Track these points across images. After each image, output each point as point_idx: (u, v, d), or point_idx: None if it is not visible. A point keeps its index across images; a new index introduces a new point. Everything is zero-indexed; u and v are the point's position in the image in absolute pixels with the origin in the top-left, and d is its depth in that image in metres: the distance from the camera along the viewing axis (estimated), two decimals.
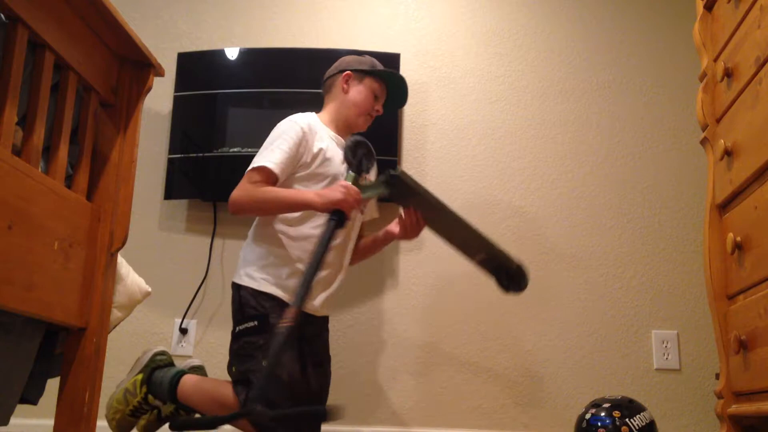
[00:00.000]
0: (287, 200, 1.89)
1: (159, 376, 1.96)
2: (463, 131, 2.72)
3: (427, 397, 2.47)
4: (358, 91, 2.07)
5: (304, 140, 1.94)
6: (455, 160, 2.69)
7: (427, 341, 2.52)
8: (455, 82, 2.78)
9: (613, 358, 2.50)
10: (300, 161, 1.93)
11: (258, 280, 1.89)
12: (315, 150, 1.94)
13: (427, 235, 2.58)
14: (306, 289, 1.67)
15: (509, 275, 1.98)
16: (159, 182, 2.67)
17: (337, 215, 1.82)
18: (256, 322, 1.84)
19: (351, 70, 2.09)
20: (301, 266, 1.88)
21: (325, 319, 2.05)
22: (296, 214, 1.93)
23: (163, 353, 2.05)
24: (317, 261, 1.72)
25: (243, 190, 1.89)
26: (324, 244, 1.76)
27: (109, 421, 1.96)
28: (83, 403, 1.38)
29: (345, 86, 2.07)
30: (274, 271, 1.90)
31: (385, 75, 2.12)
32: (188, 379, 1.94)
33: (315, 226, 1.92)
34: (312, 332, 1.96)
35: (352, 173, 1.90)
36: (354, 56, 2.16)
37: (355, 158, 1.91)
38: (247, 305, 1.87)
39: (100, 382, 1.44)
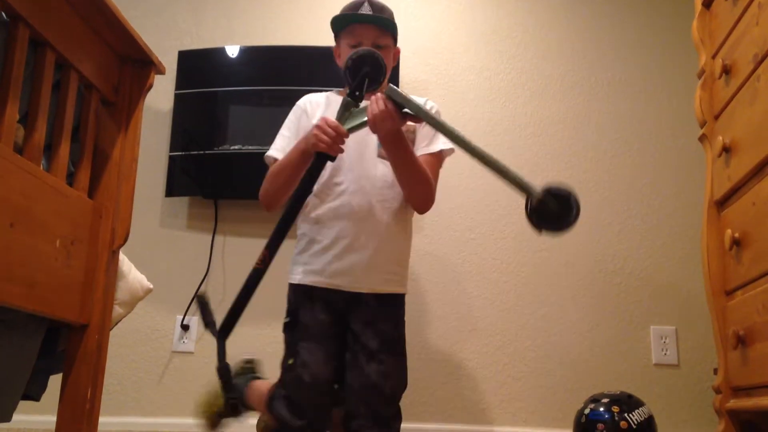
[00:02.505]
0: (283, 162, 1.76)
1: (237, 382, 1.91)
2: (463, 128, 2.71)
3: (426, 392, 2.48)
4: (339, 54, 1.90)
5: (303, 116, 1.87)
6: (454, 157, 2.69)
7: (426, 338, 2.53)
8: (454, 79, 2.78)
9: (611, 354, 2.51)
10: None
11: (291, 273, 1.80)
12: (315, 120, 1.72)
13: (427, 230, 2.59)
14: (277, 239, 1.57)
15: (533, 210, 1.50)
16: (160, 180, 2.68)
17: (319, 157, 1.60)
18: (288, 318, 1.77)
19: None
20: (318, 246, 1.75)
21: (377, 299, 1.74)
22: (313, 198, 1.78)
23: (249, 361, 2.03)
24: (288, 214, 1.59)
25: (262, 185, 1.83)
26: (296, 195, 1.61)
27: (199, 416, 1.98)
28: (85, 400, 1.38)
29: (337, 58, 1.94)
30: (300, 259, 1.79)
31: (342, 19, 1.88)
32: (253, 383, 1.91)
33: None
34: (362, 317, 1.73)
35: (347, 99, 1.60)
36: None
37: (356, 79, 1.58)
38: (288, 301, 1.79)
39: (102, 378, 1.44)
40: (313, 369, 1.67)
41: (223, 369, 1.67)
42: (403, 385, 1.72)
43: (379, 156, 1.78)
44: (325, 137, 1.58)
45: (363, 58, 1.59)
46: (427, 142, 1.83)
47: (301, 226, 1.82)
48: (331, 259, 1.73)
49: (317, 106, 1.89)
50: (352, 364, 1.69)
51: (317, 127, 1.60)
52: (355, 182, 1.76)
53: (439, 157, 1.84)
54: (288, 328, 1.76)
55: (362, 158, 1.79)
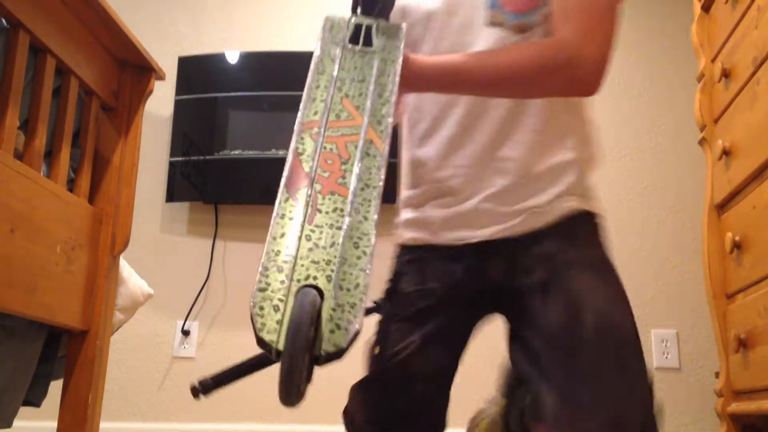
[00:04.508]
0: None
1: None
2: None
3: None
4: None
5: None
6: None
7: None
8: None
9: None
10: None
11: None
12: None
13: None
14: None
15: None
16: (161, 185, 2.68)
17: None
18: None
19: None
20: (408, 192, 1.15)
21: (503, 245, 1.04)
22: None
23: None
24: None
25: None
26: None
27: None
28: (86, 406, 1.38)
29: None
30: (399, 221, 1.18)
31: None
32: None
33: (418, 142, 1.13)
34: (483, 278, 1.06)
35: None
36: None
37: None
38: None
39: (102, 384, 1.44)
40: (392, 344, 1.15)
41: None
42: None
43: None
44: None
45: None
46: None
47: None
48: None
49: None
50: None
51: None
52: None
53: None
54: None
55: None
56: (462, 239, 1.06)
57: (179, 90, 2.69)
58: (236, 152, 2.60)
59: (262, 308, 0.69)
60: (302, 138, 0.84)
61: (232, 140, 2.63)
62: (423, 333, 1.06)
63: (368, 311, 1.10)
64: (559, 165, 1.05)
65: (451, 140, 1.07)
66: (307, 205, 0.77)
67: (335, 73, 0.92)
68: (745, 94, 1.56)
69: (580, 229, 1.06)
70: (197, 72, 2.73)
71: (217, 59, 2.74)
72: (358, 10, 1.00)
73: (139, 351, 2.56)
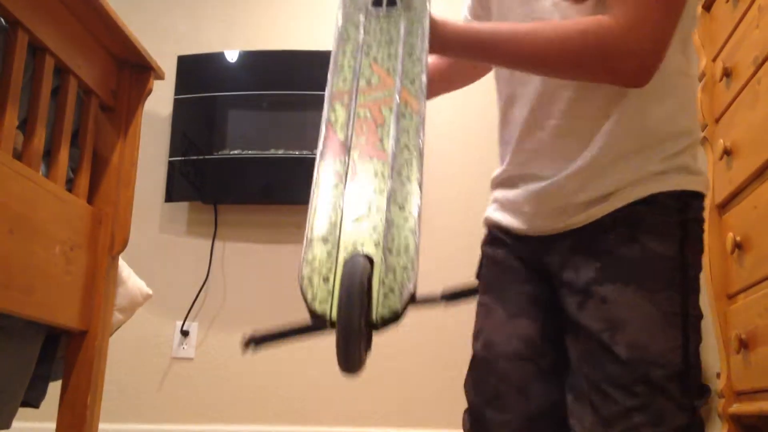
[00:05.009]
0: None
1: None
2: (465, 132, 2.72)
3: (432, 395, 2.47)
4: None
5: None
6: (460, 159, 2.69)
7: (426, 341, 2.52)
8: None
9: None
10: None
11: None
12: None
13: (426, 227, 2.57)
14: None
15: None
16: (160, 185, 2.68)
17: None
18: None
19: None
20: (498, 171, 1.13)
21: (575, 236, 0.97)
22: None
23: None
24: None
25: None
26: None
27: None
28: (85, 407, 1.38)
29: None
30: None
31: None
32: None
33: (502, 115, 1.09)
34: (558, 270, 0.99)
35: None
36: None
37: None
38: None
39: (101, 385, 1.44)
40: (486, 336, 1.12)
41: None
42: None
43: None
44: None
45: None
46: None
47: None
48: None
49: None
50: None
51: None
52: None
53: None
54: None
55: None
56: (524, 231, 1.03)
57: (178, 89, 2.69)
58: (236, 152, 2.60)
59: (311, 280, 0.67)
60: (334, 107, 0.81)
61: (231, 140, 2.63)
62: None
63: (468, 293, 1.12)
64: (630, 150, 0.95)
65: (525, 122, 1.02)
66: (345, 173, 0.75)
67: (361, 39, 0.88)
68: (746, 94, 1.56)
69: (648, 218, 0.94)
70: (196, 71, 2.73)
71: (217, 58, 2.73)
72: None
73: (138, 352, 2.55)
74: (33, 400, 1.44)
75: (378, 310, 0.65)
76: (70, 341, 1.41)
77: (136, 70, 1.55)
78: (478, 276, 1.10)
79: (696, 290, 0.94)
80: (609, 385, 0.87)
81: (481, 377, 1.01)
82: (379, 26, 0.89)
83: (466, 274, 1.13)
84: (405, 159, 0.76)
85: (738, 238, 1.55)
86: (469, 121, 2.73)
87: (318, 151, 0.77)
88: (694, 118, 1.01)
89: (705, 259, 1.70)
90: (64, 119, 1.34)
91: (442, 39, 0.93)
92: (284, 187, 2.58)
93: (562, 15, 0.95)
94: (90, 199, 1.45)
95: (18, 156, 1.21)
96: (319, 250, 0.69)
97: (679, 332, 0.90)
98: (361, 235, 0.70)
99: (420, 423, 2.44)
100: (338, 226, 0.71)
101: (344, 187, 0.74)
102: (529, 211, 1.02)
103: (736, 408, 1.56)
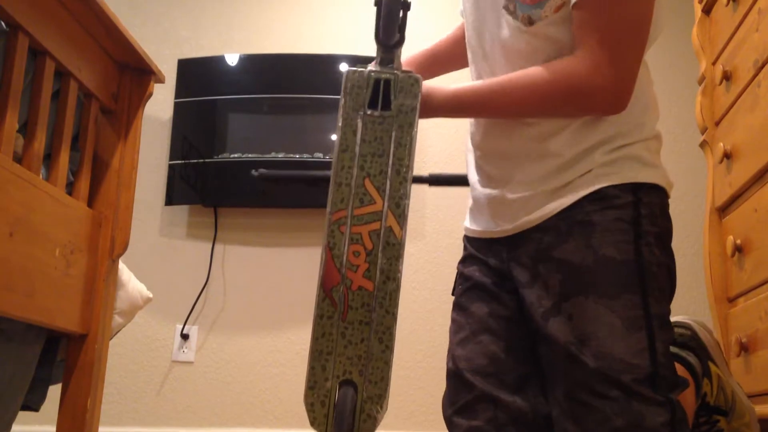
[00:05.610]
0: None
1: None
2: (465, 134, 2.71)
3: (431, 400, 2.47)
4: None
5: None
6: (456, 162, 2.69)
7: (426, 347, 2.52)
8: (457, 83, 2.78)
9: None
10: None
11: None
12: None
13: (427, 230, 2.58)
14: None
15: None
16: (160, 188, 2.68)
17: None
18: None
19: None
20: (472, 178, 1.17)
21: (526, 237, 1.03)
22: None
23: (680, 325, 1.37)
24: None
25: None
26: None
27: None
28: (85, 410, 1.38)
29: None
30: None
31: None
32: None
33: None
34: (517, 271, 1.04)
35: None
36: None
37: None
38: None
39: (101, 388, 1.44)
40: (455, 352, 1.19)
41: None
42: None
43: None
44: None
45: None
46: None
47: None
48: None
49: None
50: None
51: None
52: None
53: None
54: None
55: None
56: (484, 233, 1.10)
57: (179, 93, 2.69)
58: (236, 155, 2.60)
59: (312, 404, 0.87)
60: (332, 232, 0.93)
61: (232, 143, 2.63)
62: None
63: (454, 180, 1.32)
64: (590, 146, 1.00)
65: (484, 125, 1.10)
66: (340, 302, 0.90)
67: (357, 150, 0.96)
68: (746, 97, 1.56)
69: (601, 222, 0.97)
70: (197, 75, 2.73)
71: (217, 62, 2.73)
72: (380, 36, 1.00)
73: (138, 355, 2.55)
74: (33, 404, 1.44)
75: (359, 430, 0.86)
76: (70, 344, 1.41)
77: (137, 73, 1.55)
78: (453, 293, 1.16)
79: (661, 288, 1.02)
80: (585, 392, 0.90)
81: (453, 389, 1.08)
82: (374, 133, 0.97)
83: None
84: (386, 291, 0.90)
85: (738, 242, 1.55)
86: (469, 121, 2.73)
87: (318, 279, 0.92)
88: (647, 111, 1.03)
89: (705, 262, 1.70)
90: (64, 122, 1.34)
91: (429, 108, 1.02)
92: (284, 191, 2.58)
93: (515, 34, 1.01)
94: (90, 203, 1.45)
95: (18, 159, 1.22)
96: (319, 377, 0.88)
97: (643, 334, 0.94)
98: (350, 363, 0.88)
99: (419, 426, 2.44)
100: (333, 355, 0.89)
101: (338, 318, 0.90)
102: (489, 212, 1.08)
103: None
